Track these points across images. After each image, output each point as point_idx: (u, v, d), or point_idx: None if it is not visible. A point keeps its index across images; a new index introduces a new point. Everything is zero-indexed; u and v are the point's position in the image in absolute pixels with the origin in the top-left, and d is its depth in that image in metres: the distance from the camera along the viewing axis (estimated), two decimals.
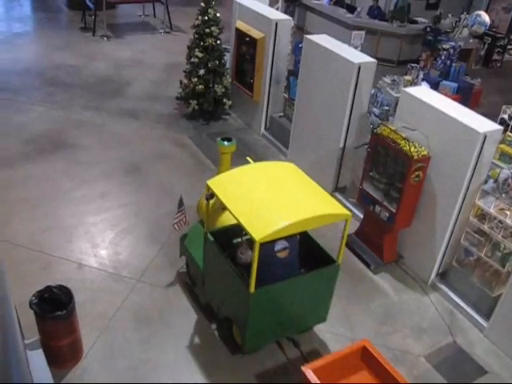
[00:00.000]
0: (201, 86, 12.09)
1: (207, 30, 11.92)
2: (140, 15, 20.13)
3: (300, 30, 18.24)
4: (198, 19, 12.07)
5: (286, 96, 11.70)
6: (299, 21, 19.26)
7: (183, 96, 12.54)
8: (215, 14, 12.04)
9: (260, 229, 5.74)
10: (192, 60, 12.19)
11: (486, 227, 7.64)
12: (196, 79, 12.13)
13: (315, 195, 6.50)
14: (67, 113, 12.53)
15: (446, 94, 11.31)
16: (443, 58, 14.27)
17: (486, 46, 18.08)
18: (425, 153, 7.75)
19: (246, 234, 6.13)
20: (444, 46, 14.59)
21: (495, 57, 18.35)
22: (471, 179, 7.50)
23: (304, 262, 6.90)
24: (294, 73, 11.33)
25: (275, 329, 6.78)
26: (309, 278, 6.64)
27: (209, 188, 6.50)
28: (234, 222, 6.48)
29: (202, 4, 12.02)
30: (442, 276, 8.40)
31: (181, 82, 12.60)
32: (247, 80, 12.17)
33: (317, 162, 10.23)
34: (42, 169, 10.32)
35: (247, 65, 12.09)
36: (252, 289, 6.04)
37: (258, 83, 11.76)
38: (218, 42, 12.14)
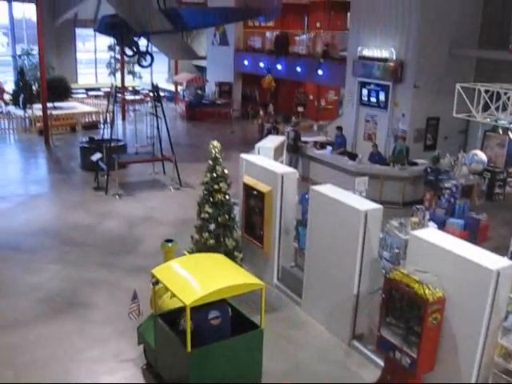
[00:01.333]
0: (212, 241, 12.28)
1: (216, 187, 12.31)
2: (150, 173, 20.91)
3: (304, 180, 18.78)
4: (206, 176, 12.53)
5: (296, 246, 11.84)
6: (304, 171, 19.89)
7: (195, 251, 12.70)
8: (223, 171, 12.51)
9: (189, 296, 7.63)
10: (202, 216, 12.48)
11: None
12: (207, 234, 12.35)
13: (236, 272, 8.61)
14: (81, 271, 12.72)
15: (453, 232, 11.51)
16: (446, 196, 14.61)
17: (487, 180, 18.50)
18: (440, 294, 7.73)
19: None
20: (446, 185, 15.00)
21: (497, 190, 18.71)
22: (490, 318, 7.42)
23: (236, 330, 8.26)
24: (302, 223, 11.56)
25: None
26: (237, 340, 8.17)
27: (153, 275, 8.34)
28: (178, 304, 8.14)
29: (210, 162, 12.54)
30: None
31: (192, 238, 12.82)
32: (257, 232, 12.39)
33: (332, 310, 10.18)
34: (54, 328, 10.34)
35: (256, 217, 12.37)
36: (189, 349, 7.60)
37: (268, 235, 11.97)
38: (227, 196, 12.51)
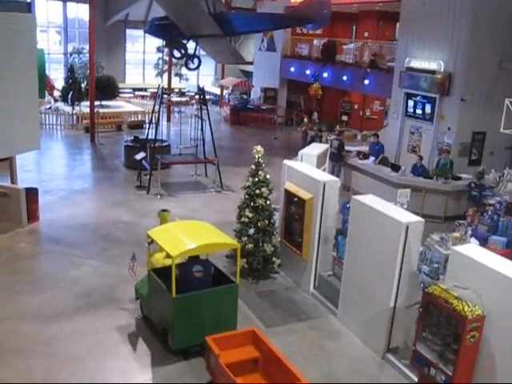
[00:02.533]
0: (250, 245, 12.36)
1: (257, 191, 12.41)
2: (192, 175, 21.11)
3: (346, 189, 18.70)
4: (248, 181, 12.62)
5: (335, 255, 11.80)
6: (345, 180, 19.81)
7: (233, 254, 12.79)
8: (265, 176, 12.59)
9: (175, 249, 9.28)
10: (242, 219, 12.59)
11: None
12: (246, 238, 12.44)
13: (217, 235, 10.19)
14: (119, 268, 12.88)
15: (495, 250, 11.29)
16: (490, 213, 14.33)
17: None
18: (479, 312, 7.62)
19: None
20: (490, 202, 14.73)
21: None
22: None
23: (218, 285, 9.88)
24: (341, 232, 11.52)
25: (196, 332, 9.36)
26: (215, 291, 9.71)
27: (149, 236, 10.11)
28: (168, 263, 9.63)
29: (253, 166, 12.62)
30: None
31: None
32: (296, 239, 12.39)
33: (368, 322, 10.11)
34: (91, 323, 10.54)
35: (296, 224, 12.38)
36: (173, 294, 9.16)
37: (307, 242, 11.96)
38: (268, 202, 12.57)
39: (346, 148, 20.98)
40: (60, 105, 31.81)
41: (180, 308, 9.27)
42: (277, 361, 8.36)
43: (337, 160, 20.04)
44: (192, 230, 10.42)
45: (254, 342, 9.03)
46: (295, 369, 8.07)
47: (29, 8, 14.04)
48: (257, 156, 12.53)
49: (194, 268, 9.63)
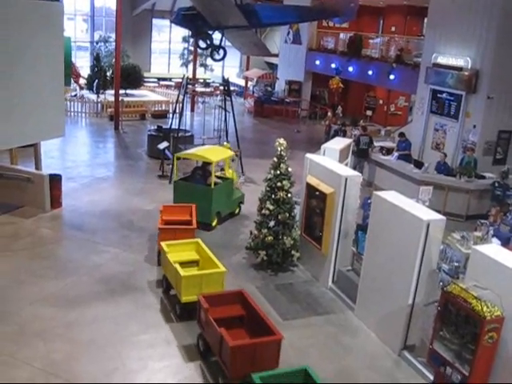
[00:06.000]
0: (270, 238, 12.38)
1: (279, 184, 12.41)
2: None
3: (368, 185, 18.63)
4: (270, 173, 12.63)
5: (354, 250, 11.78)
6: (370, 176, 19.76)
7: (252, 246, 12.83)
8: (287, 169, 12.59)
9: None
10: (263, 212, 12.60)
11: None
12: (266, 230, 12.46)
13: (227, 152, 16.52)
14: (139, 256, 13.04)
15: None
16: None
17: None
18: (498, 313, 7.58)
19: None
20: None
21: None
22: None
23: None
24: (362, 227, 11.49)
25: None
26: (199, 188, 14.87)
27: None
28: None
29: (275, 159, 12.63)
30: None
31: (251, 233, 12.95)
32: (316, 233, 12.39)
33: (385, 318, 10.09)
34: (111, 310, 10.67)
35: (316, 218, 12.37)
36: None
37: (327, 236, 11.95)
38: (289, 195, 12.57)
39: None
40: (85, 92, 32.10)
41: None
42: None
43: (363, 156, 19.99)
44: (215, 151, 16.20)
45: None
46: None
47: None
48: (279, 149, 12.53)
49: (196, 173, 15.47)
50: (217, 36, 22.32)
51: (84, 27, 40.93)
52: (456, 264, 10.79)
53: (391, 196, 10.25)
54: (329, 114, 27.81)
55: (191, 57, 37.53)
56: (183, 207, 13.78)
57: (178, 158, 15.63)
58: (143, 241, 13.89)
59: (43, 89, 13.65)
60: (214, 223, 14.89)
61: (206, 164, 15.30)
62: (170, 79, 40.58)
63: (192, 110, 32.07)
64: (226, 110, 20.24)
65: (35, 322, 10.02)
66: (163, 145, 19.71)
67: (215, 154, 15.45)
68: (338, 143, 14.78)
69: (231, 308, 9.70)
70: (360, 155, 19.96)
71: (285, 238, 12.47)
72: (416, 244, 9.25)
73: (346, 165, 14.32)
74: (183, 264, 10.94)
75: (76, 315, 10.34)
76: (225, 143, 18.79)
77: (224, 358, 8.46)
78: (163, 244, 11.47)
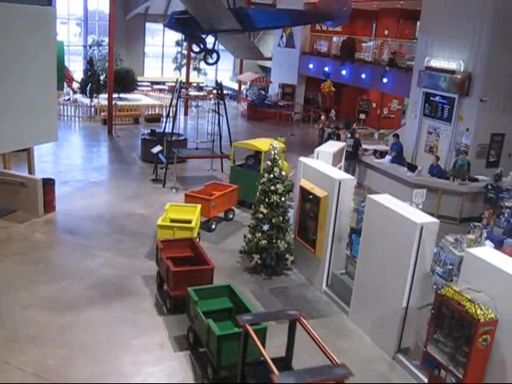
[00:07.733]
0: (264, 241, 12.37)
1: (272, 188, 12.40)
2: (208, 169, 21.17)
3: (359, 187, 18.62)
4: (264, 177, 12.62)
5: (348, 253, 11.78)
6: (360, 178, 19.77)
7: (246, 250, 12.81)
8: (281, 172, 12.58)
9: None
10: (257, 215, 12.59)
11: None
12: (260, 234, 12.45)
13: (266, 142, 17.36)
14: (132, 260, 13.02)
15: (510, 253, 11.19)
16: (506, 215, 14.21)
17: None
18: (492, 316, 7.59)
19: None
20: (507, 204, 14.59)
21: None
22: None
23: None
24: (356, 230, 11.49)
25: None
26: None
27: (235, 146, 18.17)
28: None
29: (268, 162, 12.62)
30: None
31: (245, 237, 12.94)
32: (310, 236, 12.40)
33: (379, 322, 10.10)
34: (104, 314, 10.63)
35: (310, 221, 12.37)
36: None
37: (321, 240, 11.96)
38: (283, 198, 12.57)
39: (364, 146, 20.99)
40: (78, 97, 32.02)
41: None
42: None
43: (351, 158, 20.01)
44: (263, 142, 17.47)
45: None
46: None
47: (49, 1, 14.06)
48: (273, 152, 12.54)
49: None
50: (210, 40, 22.32)
51: (77, 31, 40.80)
52: (450, 267, 10.76)
53: (385, 199, 10.27)
54: (322, 117, 27.82)
55: (184, 61, 37.45)
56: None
57: (235, 146, 18.06)
58: (137, 245, 13.85)
59: (36, 93, 13.59)
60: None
61: (258, 153, 17.21)
62: (163, 83, 40.53)
63: (185, 113, 32.03)
64: (219, 114, 20.25)
65: (28, 326, 9.98)
66: (157, 149, 19.68)
67: (266, 145, 16.22)
68: (331, 147, 14.81)
69: (183, 251, 11.92)
70: (346, 157, 19.98)
71: (279, 241, 12.46)
72: (410, 247, 9.27)
73: (340, 168, 14.35)
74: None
75: (69, 320, 10.31)
76: (279, 138, 19.84)
77: (170, 284, 10.73)
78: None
